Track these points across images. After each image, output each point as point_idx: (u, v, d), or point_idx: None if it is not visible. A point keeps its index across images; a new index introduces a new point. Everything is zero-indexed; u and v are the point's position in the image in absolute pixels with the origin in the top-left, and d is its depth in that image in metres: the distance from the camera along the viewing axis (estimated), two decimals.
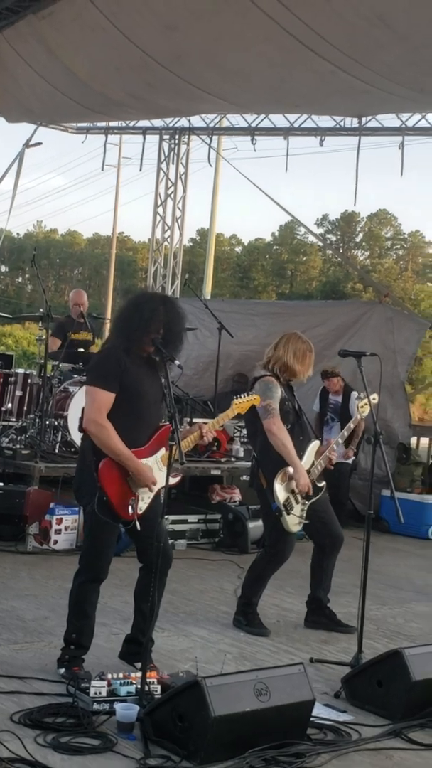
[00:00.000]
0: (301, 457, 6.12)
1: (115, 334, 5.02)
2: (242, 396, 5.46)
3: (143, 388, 4.87)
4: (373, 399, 6.20)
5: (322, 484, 6.28)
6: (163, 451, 4.93)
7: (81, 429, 4.96)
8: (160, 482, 4.91)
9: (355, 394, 6.79)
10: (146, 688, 4.40)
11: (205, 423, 5.27)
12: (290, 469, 6.00)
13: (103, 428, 4.75)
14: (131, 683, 4.46)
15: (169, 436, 4.69)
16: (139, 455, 4.84)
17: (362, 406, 6.43)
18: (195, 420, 10.29)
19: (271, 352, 6.27)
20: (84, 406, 5.08)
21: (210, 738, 3.93)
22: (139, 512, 4.88)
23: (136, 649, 5.06)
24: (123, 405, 4.81)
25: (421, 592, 8.01)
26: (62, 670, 4.90)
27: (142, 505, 4.89)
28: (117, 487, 4.80)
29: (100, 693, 4.38)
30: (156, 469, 4.90)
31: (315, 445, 6.29)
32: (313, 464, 6.21)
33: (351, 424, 6.74)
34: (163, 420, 5.11)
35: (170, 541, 8.61)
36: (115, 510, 4.82)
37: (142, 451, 4.87)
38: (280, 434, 6.01)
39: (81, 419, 5.31)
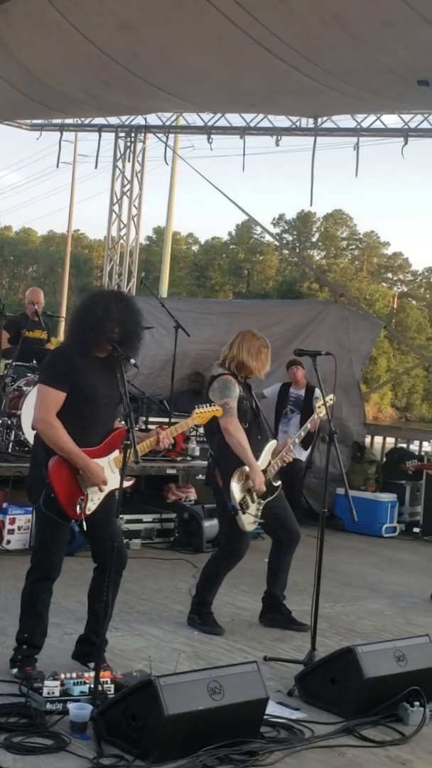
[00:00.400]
0: (258, 456, 6.14)
1: (69, 334, 4.99)
2: (204, 406, 5.46)
3: (95, 389, 4.85)
4: (330, 400, 6.25)
5: (278, 483, 6.31)
6: (116, 453, 4.93)
7: (33, 427, 4.94)
8: (112, 484, 4.90)
9: (318, 391, 6.83)
10: (99, 687, 4.40)
11: (162, 427, 5.24)
12: (246, 469, 6.02)
13: (51, 426, 4.74)
14: (84, 683, 4.45)
15: (123, 437, 4.71)
16: (91, 455, 4.82)
17: (319, 407, 6.49)
18: (151, 419, 10.30)
19: (226, 350, 6.29)
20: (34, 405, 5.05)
21: (163, 737, 3.93)
22: (88, 512, 4.87)
23: (90, 648, 5.05)
24: (74, 405, 4.79)
25: (374, 589, 8.07)
26: (15, 670, 4.88)
27: (91, 506, 4.87)
28: (65, 485, 4.78)
29: (53, 693, 4.36)
30: (108, 471, 4.89)
31: (272, 444, 6.32)
32: (269, 464, 6.23)
33: (308, 425, 6.75)
34: (118, 421, 5.10)
35: (125, 541, 8.62)
36: (62, 508, 4.80)
37: (95, 452, 4.86)
38: (236, 433, 6.02)
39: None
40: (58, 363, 4.89)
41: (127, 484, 4.99)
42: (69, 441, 4.74)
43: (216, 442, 6.20)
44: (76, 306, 5.13)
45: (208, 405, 5.52)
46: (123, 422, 4.98)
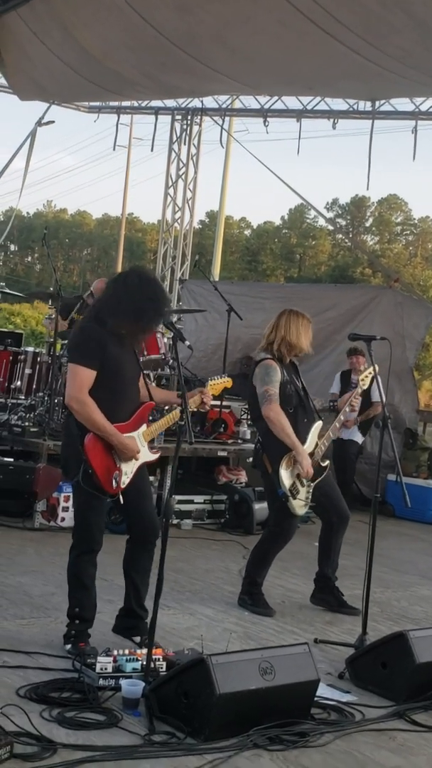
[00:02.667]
0: (304, 439, 6.13)
1: (97, 312, 5.02)
2: (215, 378, 5.54)
3: (122, 365, 4.96)
4: (371, 372, 6.22)
5: (326, 463, 6.30)
6: (144, 427, 5.07)
7: (67, 405, 5.04)
8: (142, 458, 5.05)
9: (379, 378, 6.75)
10: (152, 664, 4.44)
11: (202, 391, 5.28)
12: (294, 454, 6.03)
13: (85, 404, 4.83)
14: (137, 660, 4.50)
15: (150, 410, 5.02)
16: (121, 430, 4.94)
17: (363, 379, 6.40)
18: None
19: (272, 333, 6.26)
20: (66, 384, 5.16)
21: (214, 715, 3.96)
22: (123, 486, 4.98)
23: (134, 622, 5.16)
24: (103, 382, 4.88)
25: (425, 576, 8.04)
26: (68, 646, 4.95)
27: (125, 479, 4.99)
28: (102, 460, 4.89)
29: (105, 669, 4.41)
30: (138, 444, 5.01)
31: (317, 425, 6.29)
32: (316, 445, 6.22)
33: (352, 400, 6.60)
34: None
35: (176, 521, 8.69)
36: (100, 483, 4.90)
37: (125, 427, 4.97)
38: (277, 420, 6.02)
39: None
40: (88, 342, 4.92)
41: (153, 457, 5.17)
42: (102, 418, 4.84)
43: (262, 428, 6.20)
44: (116, 284, 5.07)
45: (219, 377, 5.57)
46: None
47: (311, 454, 6.13)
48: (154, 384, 8.66)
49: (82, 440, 4.87)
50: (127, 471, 4.99)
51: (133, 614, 5.18)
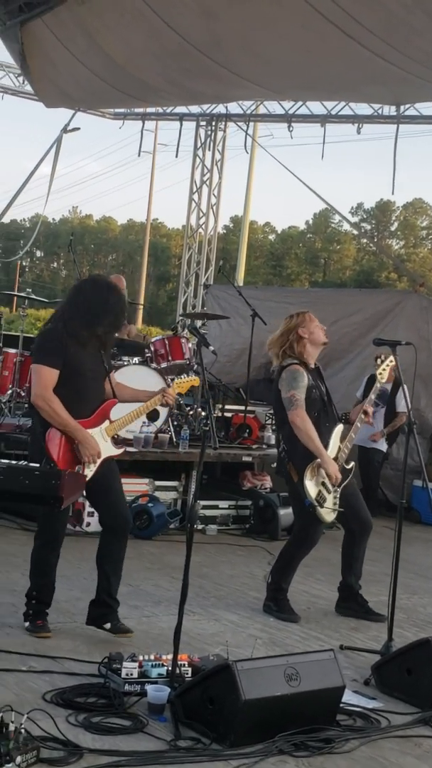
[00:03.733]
0: (327, 443, 6.11)
1: (62, 315, 5.30)
2: (183, 376, 5.85)
3: (82, 364, 5.19)
4: (390, 362, 6.18)
5: (351, 465, 6.27)
6: (107, 423, 5.29)
7: (30, 404, 5.20)
8: (105, 452, 5.24)
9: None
10: (177, 670, 4.44)
11: (165, 389, 5.57)
12: (318, 461, 6.01)
13: (50, 401, 5.07)
14: (162, 665, 4.50)
15: (112, 407, 5.27)
16: (84, 426, 5.15)
17: (381, 372, 6.33)
18: (227, 406, 10.35)
19: (288, 338, 6.25)
20: (30, 384, 5.43)
21: (240, 721, 3.96)
22: (86, 478, 5.09)
23: (106, 610, 5.32)
24: (65, 380, 5.12)
25: None
26: (27, 624, 5.24)
27: (88, 472, 5.15)
28: (62, 454, 5.08)
29: (131, 674, 4.42)
30: (100, 439, 5.22)
31: (339, 429, 6.27)
32: (339, 449, 6.20)
33: (372, 395, 6.50)
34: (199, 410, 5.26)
35: (201, 526, 8.69)
36: None
37: (87, 422, 5.19)
38: (304, 426, 6.01)
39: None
40: (50, 343, 5.21)
41: (117, 452, 5.38)
42: (66, 415, 5.07)
43: (286, 433, 6.19)
44: (73, 291, 5.50)
45: (186, 375, 5.87)
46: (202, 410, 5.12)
47: (335, 458, 6.12)
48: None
49: (44, 436, 5.08)
50: (90, 466, 5.17)
51: (103, 604, 5.33)
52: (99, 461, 5.20)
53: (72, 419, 5.07)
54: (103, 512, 5.41)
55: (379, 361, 6.29)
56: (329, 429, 6.20)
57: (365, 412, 6.31)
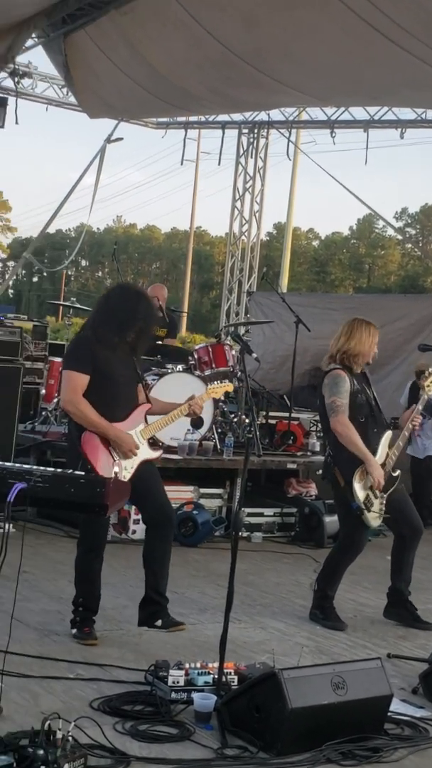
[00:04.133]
0: (375, 450, 6.07)
1: (93, 322, 5.35)
2: (216, 383, 5.87)
3: (113, 370, 5.24)
4: None
5: (397, 473, 6.22)
6: (142, 426, 5.32)
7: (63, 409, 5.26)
8: (142, 454, 5.28)
9: None
10: (223, 678, 4.44)
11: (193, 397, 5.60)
12: (366, 466, 5.98)
13: (79, 404, 5.14)
14: (208, 673, 4.50)
15: (146, 411, 5.35)
16: (118, 428, 5.19)
17: (428, 385, 6.30)
18: (271, 413, 10.32)
19: (341, 343, 6.20)
20: (61, 390, 5.58)
21: (286, 730, 3.95)
22: (123, 480, 5.10)
23: (155, 608, 5.35)
24: (97, 386, 5.18)
25: None
26: (74, 631, 5.26)
27: (126, 474, 5.18)
28: (99, 455, 5.13)
29: (177, 682, 4.42)
30: (136, 440, 5.24)
31: (387, 435, 6.23)
32: (387, 456, 6.16)
33: (419, 406, 6.47)
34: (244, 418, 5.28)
35: (246, 534, 8.67)
36: None
37: (121, 425, 5.22)
38: (346, 432, 5.98)
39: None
40: (79, 349, 5.30)
41: (155, 454, 5.42)
42: (97, 416, 5.12)
43: (332, 438, 6.16)
44: (102, 299, 5.55)
45: (220, 382, 5.86)
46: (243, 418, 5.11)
47: (382, 465, 6.08)
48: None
49: (79, 440, 5.12)
50: (127, 466, 5.21)
51: (151, 601, 5.36)
52: (137, 463, 5.24)
53: (102, 419, 5.12)
54: (145, 511, 5.46)
55: (427, 373, 6.26)
56: (377, 435, 6.15)
57: (413, 422, 6.26)
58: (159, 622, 5.29)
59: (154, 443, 5.46)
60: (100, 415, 5.13)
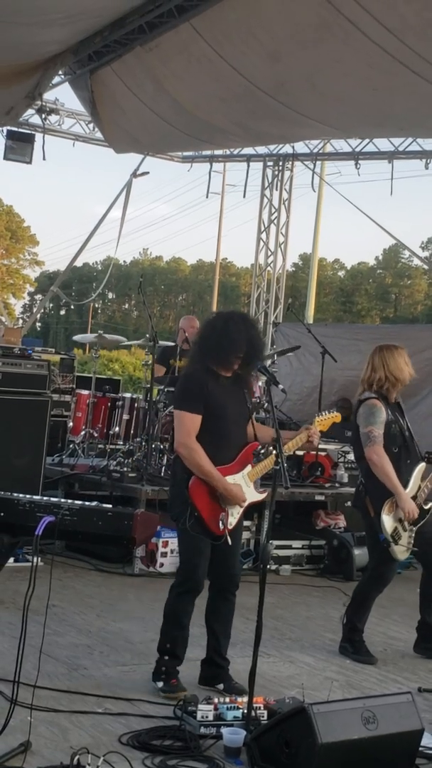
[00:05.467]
0: (406, 482, 6.04)
1: (198, 356, 5.16)
2: (324, 413, 5.57)
3: (226, 408, 5.03)
4: None
5: (429, 506, 6.18)
6: (249, 468, 5.12)
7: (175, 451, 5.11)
8: (249, 498, 5.11)
9: None
10: (253, 713, 4.40)
11: (308, 427, 5.34)
12: (395, 498, 5.94)
13: (193, 451, 4.94)
14: (238, 708, 4.47)
15: (254, 450, 5.08)
16: (225, 472, 5.01)
17: None
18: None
19: (374, 374, 6.18)
20: (174, 430, 5.28)
21: (317, 765, 3.91)
22: (230, 527, 5.02)
23: (217, 671, 5.19)
24: (207, 425, 4.98)
25: None
26: (160, 684, 5.01)
27: (232, 520, 5.05)
28: (207, 503, 4.97)
29: (207, 717, 4.40)
30: (243, 485, 5.07)
31: (421, 467, 6.19)
32: (419, 488, 6.12)
33: None
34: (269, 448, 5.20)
35: (274, 566, 8.63)
36: (206, 525, 4.98)
37: (229, 469, 5.04)
38: (380, 463, 5.95)
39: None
40: (191, 387, 5.06)
41: (261, 497, 5.23)
42: (209, 464, 4.93)
43: (365, 468, 6.14)
44: (203, 328, 5.32)
45: (327, 412, 5.60)
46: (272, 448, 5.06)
47: (414, 497, 6.04)
48: None
49: (187, 484, 4.95)
50: (234, 513, 5.07)
51: (214, 664, 5.21)
52: (243, 509, 5.11)
53: (215, 470, 4.94)
54: (217, 569, 5.17)
55: None
56: (410, 466, 6.12)
57: None
58: (221, 686, 5.11)
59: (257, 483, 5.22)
60: (209, 456, 4.93)
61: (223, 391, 5.03)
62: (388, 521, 5.94)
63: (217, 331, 5.05)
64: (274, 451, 4.94)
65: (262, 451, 5.28)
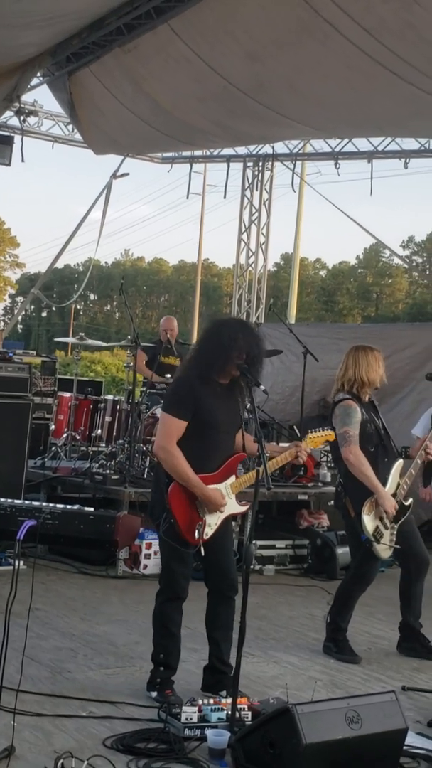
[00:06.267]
0: (385, 480, 6.05)
1: (194, 362, 5.07)
2: (317, 430, 5.51)
3: (217, 417, 4.95)
4: None
5: (409, 502, 6.20)
6: (233, 479, 5.05)
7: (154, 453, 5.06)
8: (228, 509, 5.03)
9: None
10: (237, 714, 4.40)
11: (297, 443, 5.26)
12: (375, 497, 5.96)
13: (171, 454, 4.87)
14: (222, 709, 4.47)
15: (240, 462, 4.99)
16: (208, 481, 4.93)
17: None
18: (281, 445, 10.30)
19: (346, 373, 6.20)
20: (156, 432, 5.21)
21: (301, 765, 3.91)
22: (206, 537, 4.96)
23: (220, 677, 5.11)
24: (195, 433, 4.90)
25: None
26: (154, 694, 4.95)
27: (209, 531, 4.97)
28: (185, 511, 4.90)
29: (191, 719, 4.40)
30: (223, 496, 4.98)
31: (399, 464, 6.21)
32: (398, 485, 6.14)
33: (428, 443, 6.44)
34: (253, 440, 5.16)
35: (258, 567, 8.63)
36: (181, 533, 4.92)
37: (212, 477, 4.96)
38: (357, 462, 5.96)
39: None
40: (182, 392, 4.99)
41: (242, 509, 5.15)
42: (188, 469, 4.85)
43: (343, 468, 6.16)
44: (201, 334, 5.23)
45: (321, 429, 5.55)
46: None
47: (393, 494, 6.06)
48: None
49: (167, 489, 4.90)
50: (212, 523, 4.99)
51: (215, 670, 5.17)
52: (221, 519, 5.02)
53: (194, 475, 4.86)
54: (212, 575, 5.13)
55: None
56: (388, 464, 6.14)
57: (426, 449, 6.25)
58: (224, 693, 4.99)
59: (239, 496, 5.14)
60: (192, 465, 4.85)
61: (216, 398, 4.95)
62: (368, 520, 5.95)
63: (212, 338, 4.98)
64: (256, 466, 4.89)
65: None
